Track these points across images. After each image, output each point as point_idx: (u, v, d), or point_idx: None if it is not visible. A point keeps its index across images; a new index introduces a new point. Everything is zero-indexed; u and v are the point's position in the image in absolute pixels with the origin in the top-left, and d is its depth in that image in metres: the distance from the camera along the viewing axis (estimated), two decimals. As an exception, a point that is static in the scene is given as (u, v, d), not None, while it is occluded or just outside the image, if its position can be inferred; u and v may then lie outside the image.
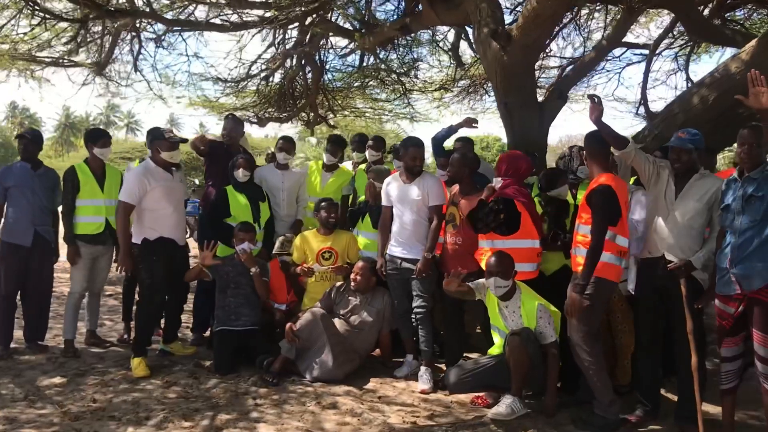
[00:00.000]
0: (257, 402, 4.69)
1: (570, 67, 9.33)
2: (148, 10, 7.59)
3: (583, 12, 9.59)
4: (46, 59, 9.12)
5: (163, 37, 10.48)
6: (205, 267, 5.52)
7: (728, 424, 4.08)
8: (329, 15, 8.83)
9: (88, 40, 9.02)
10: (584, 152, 4.63)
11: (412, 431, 4.23)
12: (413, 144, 5.33)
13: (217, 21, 8.76)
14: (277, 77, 11.48)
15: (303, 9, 7.23)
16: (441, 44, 11.22)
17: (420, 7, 7.56)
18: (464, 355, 5.42)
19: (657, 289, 4.30)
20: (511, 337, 4.43)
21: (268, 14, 7.66)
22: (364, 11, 8.76)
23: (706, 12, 8.69)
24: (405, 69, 12.00)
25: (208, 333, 6.15)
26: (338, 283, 5.68)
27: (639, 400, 4.49)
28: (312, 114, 11.59)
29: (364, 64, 12.08)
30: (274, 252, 6.04)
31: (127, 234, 5.33)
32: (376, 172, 5.97)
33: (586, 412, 4.41)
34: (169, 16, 8.49)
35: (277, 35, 10.24)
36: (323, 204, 5.88)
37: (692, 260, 4.12)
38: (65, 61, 9.25)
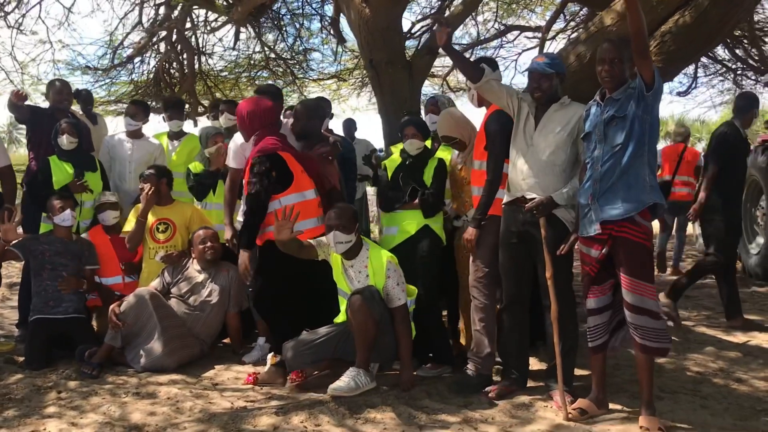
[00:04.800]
0: (60, 396, 3.89)
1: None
2: None
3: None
4: None
5: (20, 20, 9.59)
6: (12, 245, 4.65)
7: (597, 385, 3.54)
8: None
9: None
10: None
11: (235, 415, 3.52)
12: (255, 90, 4.67)
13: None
14: (153, 63, 10.65)
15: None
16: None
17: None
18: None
19: (519, 234, 3.75)
20: (352, 297, 3.77)
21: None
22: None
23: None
24: (295, 56, 11.41)
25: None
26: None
27: (504, 367, 3.93)
28: (192, 101, 10.76)
29: (250, 50, 11.45)
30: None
31: None
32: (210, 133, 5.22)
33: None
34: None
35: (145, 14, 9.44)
36: (142, 175, 5.10)
37: (553, 196, 3.58)
38: None
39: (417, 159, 4.41)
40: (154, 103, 11.01)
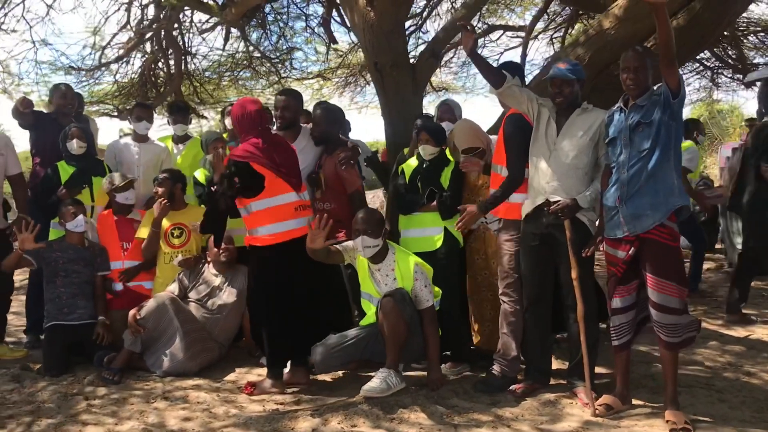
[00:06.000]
0: (90, 403, 3.91)
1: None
2: None
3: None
4: None
5: (2, 20, 9.45)
6: (25, 252, 4.62)
7: (622, 383, 3.67)
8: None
9: None
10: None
11: (271, 418, 3.58)
12: (280, 92, 4.78)
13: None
14: (138, 64, 10.56)
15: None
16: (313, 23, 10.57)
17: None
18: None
19: (541, 237, 3.85)
20: (384, 300, 3.85)
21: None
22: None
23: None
24: (279, 56, 11.39)
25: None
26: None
27: (527, 365, 4.05)
28: (178, 103, 10.70)
29: (234, 50, 11.39)
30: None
31: None
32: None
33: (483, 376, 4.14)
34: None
35: (132, 14, 9.36)
36: (157, 179, 5.09)
37: (577, 199, 3.69)
38: None
39: (434, 163, 4.49)
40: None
